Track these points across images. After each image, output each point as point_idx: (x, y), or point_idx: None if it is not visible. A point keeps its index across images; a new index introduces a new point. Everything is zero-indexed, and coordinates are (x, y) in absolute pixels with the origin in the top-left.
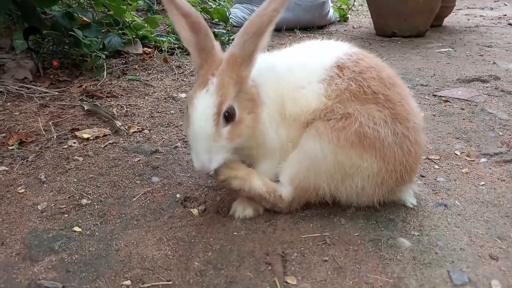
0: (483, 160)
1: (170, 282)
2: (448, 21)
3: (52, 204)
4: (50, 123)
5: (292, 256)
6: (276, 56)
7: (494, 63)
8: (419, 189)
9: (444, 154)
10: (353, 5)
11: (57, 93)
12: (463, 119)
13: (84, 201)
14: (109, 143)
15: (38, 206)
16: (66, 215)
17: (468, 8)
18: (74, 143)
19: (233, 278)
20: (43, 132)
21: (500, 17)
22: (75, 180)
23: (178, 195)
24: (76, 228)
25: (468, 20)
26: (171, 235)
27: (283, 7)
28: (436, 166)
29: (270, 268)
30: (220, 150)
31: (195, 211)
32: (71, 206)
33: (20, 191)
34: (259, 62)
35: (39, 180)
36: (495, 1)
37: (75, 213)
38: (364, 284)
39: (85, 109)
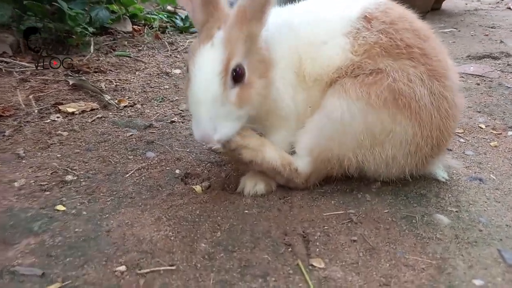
0: (510, 133)
1: (173, 267)
2: (445, 5)
3: (32, 181)
4: (31, 97)
5: (315, 236)
6: (291, 10)
7: (501, 41)
8: (453, 162)
9: (467, 127)
10: None
11: (39, 67)
12: (481, 94)
13: (69, 177)
14: (97, 118)
15: (15, 183)
16: (47, 193)
17: None
18: (58, 117)
19: (248, 261)
20: (23, 106)
21: (497, 2)
22: (58, 155)
23: (177, 171)
24: (60, 207)
25: (466, 4)
26: (172, 214)
27: None
28: (462, 140)
29: (290, 249)
30: (226, 117)
31: (198, 188)
32: (53, 183)
33: None
34: (271, 17)
35: (17, 156)
36: None
37: (58, 190)
38: (403, 266)
39: (70, 83)
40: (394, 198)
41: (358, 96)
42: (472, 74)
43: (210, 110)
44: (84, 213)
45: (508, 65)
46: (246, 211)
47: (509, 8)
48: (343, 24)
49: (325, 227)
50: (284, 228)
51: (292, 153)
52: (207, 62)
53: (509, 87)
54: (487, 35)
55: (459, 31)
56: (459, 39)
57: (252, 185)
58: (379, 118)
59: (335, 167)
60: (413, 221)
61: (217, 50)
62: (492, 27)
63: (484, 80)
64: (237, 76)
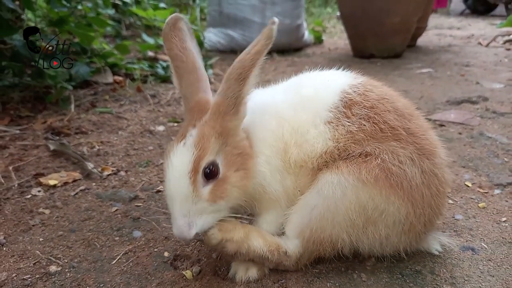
0: (497, 191)
1: None
2: (421, 41)
3: (14, 274)
4: (11, 168)
5: None
6: (272, 94)
7: (477, 83)
8: (444, 233)
9: (454, 186)
10: (326, 27)
11: (18, 131)
12: (464, 145)
13: (53, 268)
14: (80, 190)
15: None
16: None
17: (436, 28)
18: (39, 191)
19: None
20: (2, 180)
21: (469, 37)
22: (41, 239)
23: (166, 254)
24: None
25: (440, 40)
26: None
27: (267, 48)
28: (450, 201)
29: None
30: (201, 213)
31: (188, 274)
32: (37, 276)
33: None
34: (253, 101)
35: None
36: (459, 21)
37: (43, 285)
38: None
39: (51, 149)
40: (390, 277)
41: (349, 171)
42: (454, 122)
43: (183, 208)
44: None
45: (486, 110)
46: None
47: (480, 44)
48: (323, 112)
49: None
50: None
51: (283, 233)
52: (178, 162)
53: (490, 137)
54: (463, 75)
55: (436, 71)
56: (437, 80)
57: (244, 271)
58: (371, 195)
59: (328, 248)
60: None
61: (188, 149)
62: (466, 66)
63: (466, 129)
64: (210, 174)
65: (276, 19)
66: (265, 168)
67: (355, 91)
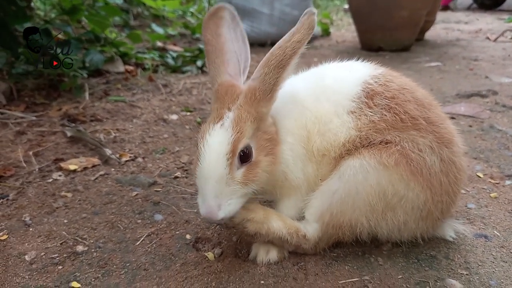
0: (508, 182)
1: None
2: (428, 35)
3: (42, 253)
4: (30, 153)
5: None
6: (295, 84)
7: (486, 77)
8: (458, 221)
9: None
10: (333, 19)
11: (34, 118)
12: (475, 137)
13: (79, 247)
14: (100, 175)
15: (26, 256)
16: (60, 267)
17: (443, 22)
18: (60, 176)
19: None
20: (24, 164)
21: (476, 31)
22: (65, 221)
23: (187, 236)
24: (75, 284)
25: (447, 34)
26: None
27: (308, 38)
28: (463, 191)
29: None
30: (231, 196)
31: (210, 255)
32: (65, 255)
33: (2, 238)
34: None
35: (23, 223)
36: (466, 16)
37: (71, 264)
38: None
39: (68, 135)
40: (406, 261)
41: (370, 155)
42: (464, 115)
43: (216, 189)
44: None
45: (496, 103)
46: (262, 282)
47: (488, 38)
48: (346, 102)
49: None
50: None
51: (302, 218)
52: (216, 143)
53: (500, 130)
54: (471, 69)
55: (444, 65)
56: (446, 74)
57: (264, 253)
58: (391, 180)
59: (346, 233)
60: (427, 287)
61: (226, 131)
62: (475, 60)
63: (476, 122)
64: (244, 157)
65: (315, 10)
66: (289, 155)
67: (376, 82)
